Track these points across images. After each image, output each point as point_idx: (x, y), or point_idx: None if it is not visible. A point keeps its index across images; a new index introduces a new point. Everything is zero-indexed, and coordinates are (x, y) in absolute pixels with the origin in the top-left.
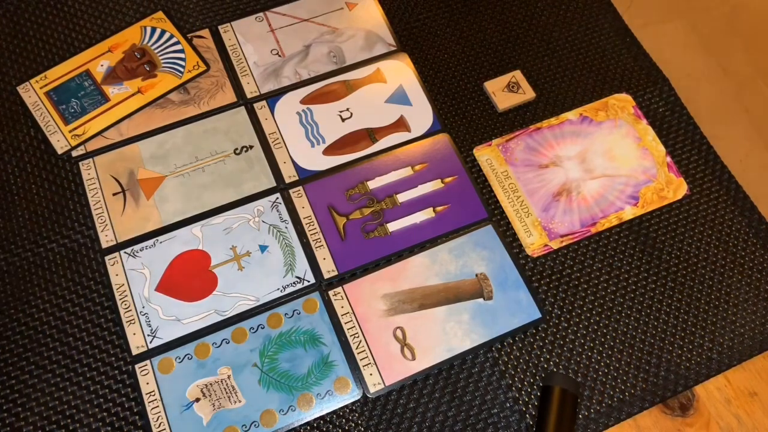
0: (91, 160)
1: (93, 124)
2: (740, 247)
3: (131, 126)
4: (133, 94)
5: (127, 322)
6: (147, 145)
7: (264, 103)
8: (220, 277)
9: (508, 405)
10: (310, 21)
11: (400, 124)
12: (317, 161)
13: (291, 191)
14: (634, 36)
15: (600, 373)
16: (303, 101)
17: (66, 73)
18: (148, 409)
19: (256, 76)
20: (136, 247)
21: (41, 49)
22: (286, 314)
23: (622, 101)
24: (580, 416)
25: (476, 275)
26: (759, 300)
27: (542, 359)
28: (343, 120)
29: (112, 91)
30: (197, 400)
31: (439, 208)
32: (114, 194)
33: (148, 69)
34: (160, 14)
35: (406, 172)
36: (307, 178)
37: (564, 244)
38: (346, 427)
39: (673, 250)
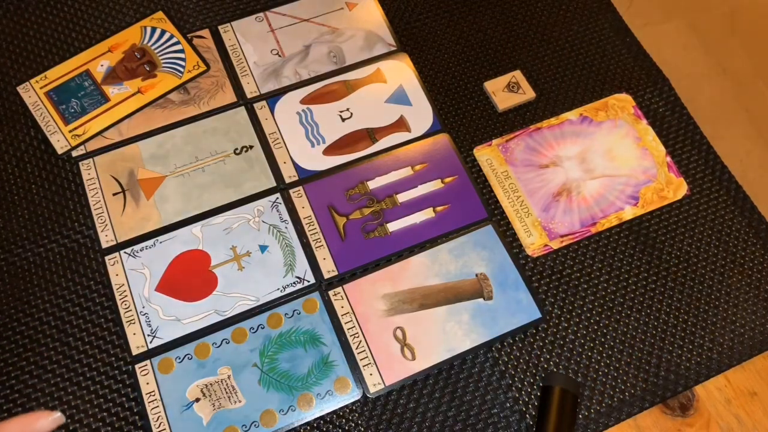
0: (91, 160)
1: (93, 124)
2: (740, 247)
3: (131, 126)
4: (133, 94)
5: (127, 322)
6: (147, 145)
7: (264, 103)
8: (220, 277)
9: (508, 405)
10: (310, 21)
11: (400, 124)
12: (317, 161)
13: (291, 191)
14: (634, 36)
15: (600, 373)
16: (303, 101)
17: (66, 73)
18: (148, 409)
19: (256, 76)
20: (136, 247)
21: (41, 49)
22: (286, 314)
23: (622, 101)
24: (580, 416)
25: (476, 275)
26: (759, 300)
27: (542, 359)
28: (343, 120)
29: (112, 91)
30: (197, 400)
31: (439, 208)
32: (114, 194)
33: (148, 69)
34: (160, 14)
35: (406, 172)
36: (307, 178)
37: (564, 244)
38: (346, 427)
39: (673, 250)
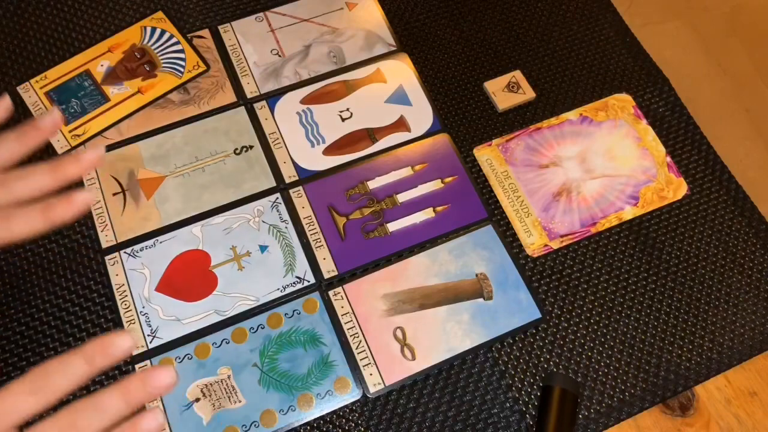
0: None
1: (93, 124)
2: (740, 247)
3: (131, 126)
4: (133, 94)
5: (127, 322)
6: (147, 145)
7: (264, 103)
8: (220, 277)
9: (508, 405)
10: (310, 21)
11: (400, 124)
12: (317, 161)
13: (291, 191)
14: (634, 36)
15: (600, 373)
16: (303, 101)
17: (66, 73)
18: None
19: (256, 76)
20: (136, 247)
21: (41, 49)
22: (286, 314)
23: (622, 101)
24: (580, 416)
25: (476, 275)
26: (759, 300)
27: (542, 359)
28: (343, 120)
29: (112, 91)
30: (197, 400)
31: (439, 208)
32: (114, 194)
33: (148, 69)
34: (160, 14)
35: (406, 172)
36: (307, 178)
37: (564, 244)
38: (346, 427)
39: (673, 250)
